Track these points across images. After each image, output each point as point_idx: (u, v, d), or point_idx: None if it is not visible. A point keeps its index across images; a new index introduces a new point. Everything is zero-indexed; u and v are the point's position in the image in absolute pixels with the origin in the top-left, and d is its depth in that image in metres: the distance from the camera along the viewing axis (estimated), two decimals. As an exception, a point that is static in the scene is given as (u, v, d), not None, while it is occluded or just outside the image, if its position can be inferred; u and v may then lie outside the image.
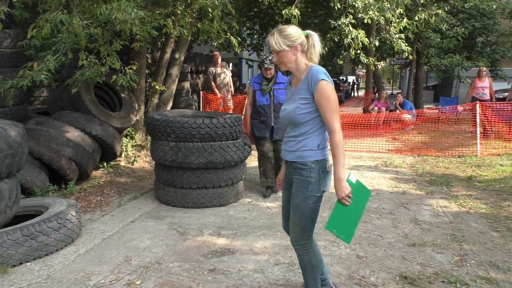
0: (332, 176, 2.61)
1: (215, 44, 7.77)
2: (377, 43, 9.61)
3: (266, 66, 5.43)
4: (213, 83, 9.92)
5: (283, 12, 7.49)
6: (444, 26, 12.40)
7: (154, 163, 7.69)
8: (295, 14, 7.38)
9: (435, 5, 12.13)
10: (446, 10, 12.63)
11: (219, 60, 9.80)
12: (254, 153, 8.02)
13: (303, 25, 16.00)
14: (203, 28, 6.91)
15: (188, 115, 5.82)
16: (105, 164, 7.02)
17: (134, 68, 6.16)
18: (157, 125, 5.10)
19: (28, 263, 3.65)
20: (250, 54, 22.53)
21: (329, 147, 2.60)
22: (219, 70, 9.99)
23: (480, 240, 4.29)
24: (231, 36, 7.54)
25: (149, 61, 8.45)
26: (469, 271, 3.61)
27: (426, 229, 4.61)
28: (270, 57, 5.39)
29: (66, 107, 6.88)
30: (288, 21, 7.80)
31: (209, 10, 7.13)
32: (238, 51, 8.21)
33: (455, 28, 13.40)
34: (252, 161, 8.03)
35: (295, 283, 3.40)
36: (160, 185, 5.42)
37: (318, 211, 2.66)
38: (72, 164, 5.94)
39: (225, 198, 5.30)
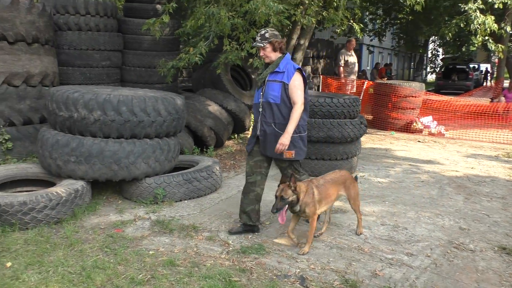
0: None
1: (338, 31, 8.31)
2: (508, 29, 9.12)
3: (254, 43, 3.84)
4: (341, 67, 10.43)
5: (407, -1, 7.70)
6: None
7: (276, 137, 8.64)
8: (419, 0, 7.53)
9: None
10: None
11: (353, 47, 10.26)
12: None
13: (430, 9, 15.44)
14: (328, 16, 7.51)
15: (311, 94, 6.55)
16: (235, 135, 8.16)
17: (266, 53, 7.05)
18: (285, 102, 5.93)
19: (186, 201, 4.81)
20: (371, 40, 22.34)
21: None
22: (351, 57, 10.47)
23: None
24: (354, 23, 7.99)
25: (277, 46, 9.34)
26: None
27: (538, 215, 4.71)
28: (262, 31, 3.76)
29: (207, 85, 8.14)
30: (411, 8, 7.96)
31: (335, -1, 7.70)
32: (360, 37, 8.62)
33: None
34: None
35: (397, 240, 3.96)
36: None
37: None
38: (212, 133, 7.14)
39: (340, 170, 5.95)
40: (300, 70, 3.76)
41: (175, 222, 4.17)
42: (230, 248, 3.68)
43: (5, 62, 5.44)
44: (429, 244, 3.90)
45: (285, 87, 3.67)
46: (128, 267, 3.28)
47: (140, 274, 3.19)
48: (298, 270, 3.34)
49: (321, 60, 13.01)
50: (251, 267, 3.36)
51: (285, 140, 3.62)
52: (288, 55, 3.84)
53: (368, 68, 26.44)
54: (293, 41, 8.77)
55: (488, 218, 4.62)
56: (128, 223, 4.16)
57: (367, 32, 20.32)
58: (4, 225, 3.77)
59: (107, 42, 7.01)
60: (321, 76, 11.72)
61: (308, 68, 11.42)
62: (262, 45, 3.70)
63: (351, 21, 8.16)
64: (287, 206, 3.50)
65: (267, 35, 3.70)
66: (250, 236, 3.93)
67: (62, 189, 4.16)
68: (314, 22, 7.38)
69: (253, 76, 8.41)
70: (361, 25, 9.45)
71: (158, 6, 7.59)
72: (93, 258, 3.38)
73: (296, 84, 3.69)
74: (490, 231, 4.24)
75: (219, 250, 3.65)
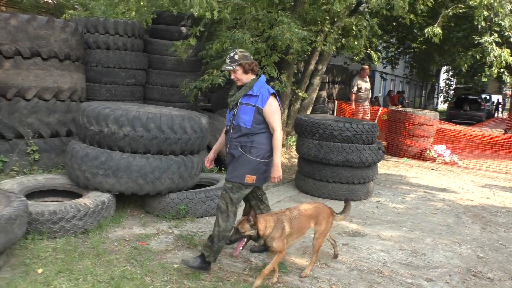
0: None
1: (356, 58, 8.52)
2: (524, 62, 9.26)
3: (224, 66, 3.72)
4: (354, 94, 10.60)
5: (425, 30, 7.90)
6: None
7: (291, 159, 8.77)
8: (437, 32, 7.74)
9: None
10: None
11: (367, 74, 10.46)
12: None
13: (444, 40, 15.69)
14: (347, 44, 7.74)
15: (330, 119, 6.69)
16: (251, 156, 8.29)
17: (284, 77, 7.27)
18: (305, 125, 6.09)
19: (207, 217, 4.91)
20: (384, 67, 22.60)
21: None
22: (364, 84, 10.65)
23: None
24: (372, 51, 8.19)
25: (294, 71, 9.56)
26: None
27: (556, 247, 4.73)
28: (232, 53, 3.59)
29: (227, 105, 8.32)
30: (429, 39, 8.15)
31: (353, 28, 7.94)
32: (377, 65, 8.82)
33: None
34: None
35: (416, 265, 4.01)
36: (301, 176, 6.40)
37: None
38: (230, 152, 7.28)
39: (356, 194, 6.03)
40: (274, 95, 3.60)
41: (198, 237, 4.28)
42: (253, 265, 3.77)
43: (37, 77, 5.67)
44: (448, 270, 3.95)
45: (258, 112, 3.51)
46: (155, 279, 3.38)
47: (167, 286, 3.28)
48: (320, 290, 3.41)
49: (336, 86, 13.19)
50: (274, 285, 3.43)
51: (277, 172, 3.55)
52: (263, 77, 3.66)
53: (380, 95, 26.65)
54: (311, 66, 9.00)
55: (505, 248, 4.65)
56: (152, 236, 4.27)
57: (380, 60, 20.61)
58: (34, 233, 3.89)
59: (133, 61, 7.27)
60: (336, 101, 11.89)
61: (324, 93, 11.60)
62: (231, 68, 3.54)
63: (369, 49, 8.37)
64: (245, 240, 3.30)
65: (236, 57, 3.53)
66: (271, 255, 4.01)
67: (89, 200, 4.29)
68: (334, 49, 7.59)
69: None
70: (379, 53, 9.65)
71: (183, 29, 7.87)
72: (121, 269, 3.48)
73: (273, 109, 3.53)
74: (508, 261, 4.27)
75: (242, 266, 3.74)
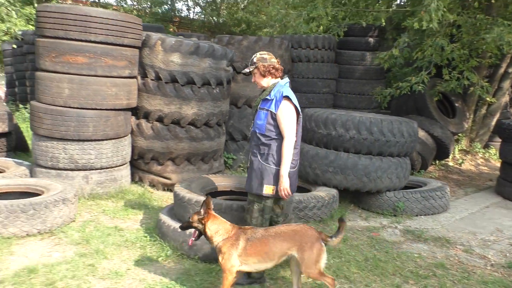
0: None
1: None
2: None
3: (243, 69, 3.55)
4: None
5: None
6: None
7: (478, 167, 8.52)
8: None
9: None
10: None
11: None
12: None
13: None
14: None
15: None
16: (436, 161, 8.31)
17: (485, 82, 7.13)
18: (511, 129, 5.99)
19: (422, 216, 5.23)
20: None
21: None
22: None
23: None
24: None
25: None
26: None
27: None
28: (253, 56, 3.44)
29: (410, 112, 8.50)
30: None
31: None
32: None
33: None
34: None
35: None
36: (505, 183, 6.26)
37: None
38: (419, 157, 7.46)
39: None
40: (288, 98, 3.26)
41: (426, 233, 4.62)
42: (493, 262, 3.96)
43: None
44: None
45: (272, 116, 3.25)
46: (405, 263, 3.83)
47: (419, 270, 3.71)
48: None
49: (517, 89, 12.17)
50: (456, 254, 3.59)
51: (284, 184, 3.23)
52: (284, 80, 3.39)
53: None
54: (502, 70, 8.60)
55: None
56: (379, 229, 4.76)
57: None
58: (285, 218, 4.70)
59: (328, 71, 8.00)
60: (520, 106, 11.00)
61: (506, 98, 10.85)
62: (248, 70, 3.39)
63: None
64: (196, 232, 3.05)
65: (255, 59, 3.38)
66: (507, 254, 4.14)
67: (323, 193, 4.98)
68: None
69: (456, 104, 8.49)
70: None
71: (370, 39, 8.33)
72: (370, 253, 4.02)
73: (284, 115, 3.23)
74: None
75: (482, 262, 3.97)
